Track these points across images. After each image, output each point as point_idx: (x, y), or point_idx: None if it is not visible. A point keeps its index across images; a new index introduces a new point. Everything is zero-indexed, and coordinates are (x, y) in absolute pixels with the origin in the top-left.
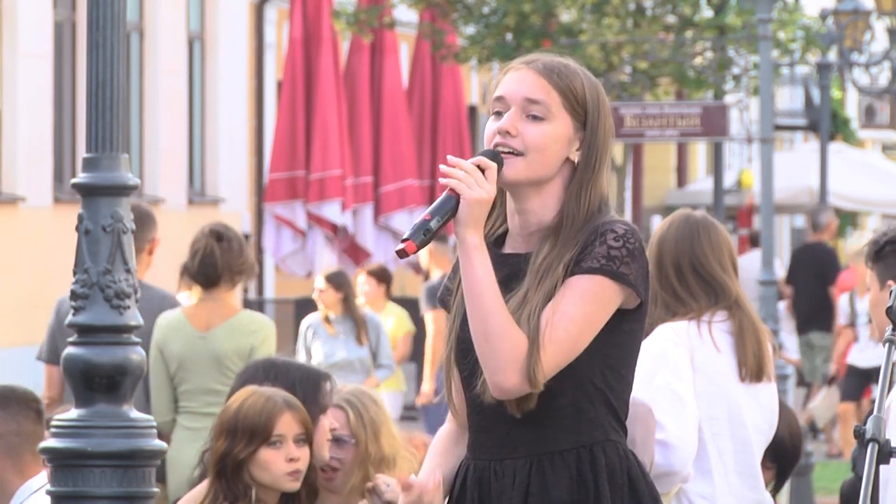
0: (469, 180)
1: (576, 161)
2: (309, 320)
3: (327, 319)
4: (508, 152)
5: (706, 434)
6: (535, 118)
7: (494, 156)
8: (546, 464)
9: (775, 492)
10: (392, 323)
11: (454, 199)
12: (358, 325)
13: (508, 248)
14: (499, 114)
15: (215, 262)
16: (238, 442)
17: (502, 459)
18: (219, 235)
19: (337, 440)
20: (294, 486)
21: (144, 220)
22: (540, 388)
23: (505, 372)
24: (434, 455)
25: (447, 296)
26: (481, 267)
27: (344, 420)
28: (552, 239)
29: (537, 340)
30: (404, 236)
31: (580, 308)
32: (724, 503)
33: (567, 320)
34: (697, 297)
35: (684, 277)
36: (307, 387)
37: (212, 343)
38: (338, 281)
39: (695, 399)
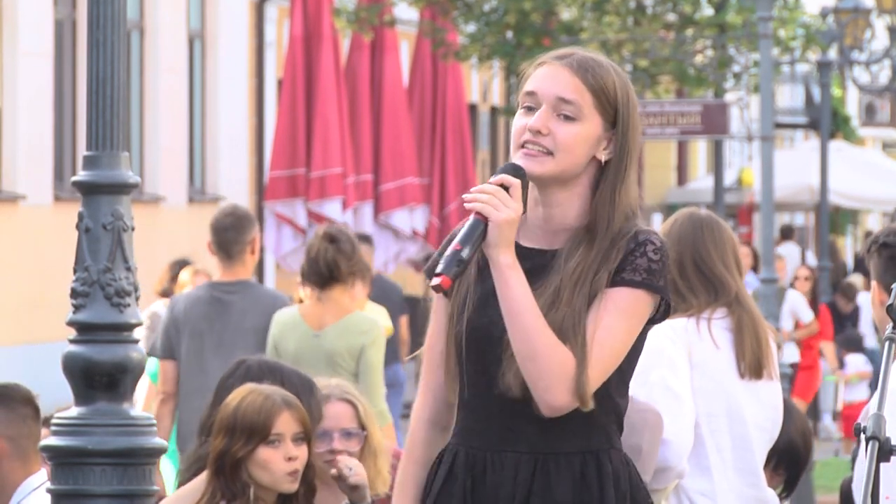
0: (494, 201)
1: (603, 160)
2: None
3: None
4: (539, 151)
5: (705, 431)
6: (566, 118)
7: (516, 170)
8: (551, 464)
9: (786, 496)
10: None
11: (482, 222)
12: None
13: (525, 241)
14: (529, 108)
15: (328, 264)
16: (236, 440)
17: (501, 451)
18: (332, 237)
19: (348, 434)
20: (292, 487)
21: (242, 222)
22: (589, 405)
23: (555, 391)
24: (417, 469)
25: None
26: (519, 286)
27: (352, 413)
28: (586, 242)
29: (586, 358)
30: (437, 269)
31: (623, 323)
32: (723, 500)
33: (612, 337)
34: (697, 294)
35: (686, 273)
36: (307, 393)
37: (325, 342)
38: None
39: (693, 396)
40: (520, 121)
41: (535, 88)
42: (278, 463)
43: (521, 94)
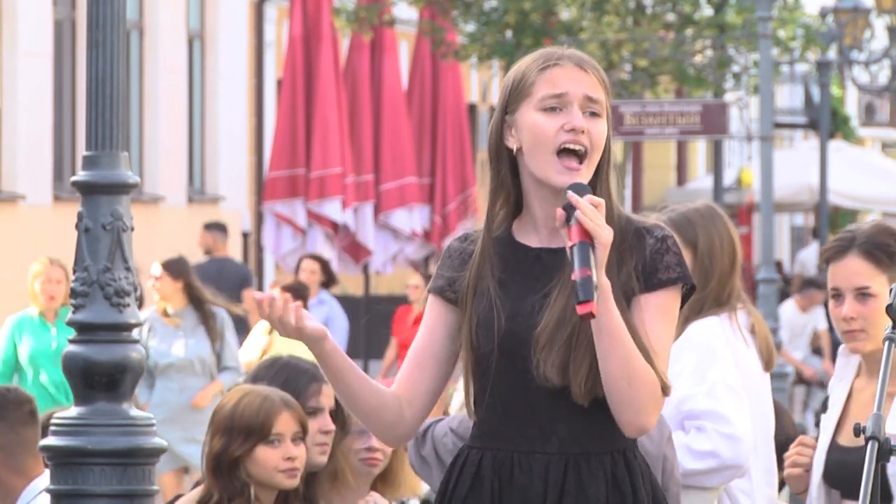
0: (600, 222)
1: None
2: (146, 314)
3: (165, 313)
4: (579, 149)
5: None
6: (593, 115)
7: (587, 189)
8: (582, 464)
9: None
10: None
11: (589, 244)
12: (205, 317)
13: (533, 241)
14: (553, 109)
15: None
16: (234, 440)
17: (530, 452)
18: None
19: None
20: (292, 483)
21: None
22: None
23: (647, 413)
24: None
25: (448, 287)
26: (616, 309)
27: None
28: None
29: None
30: (581, 299)
31: (668, 327)
32: (759, 499)
33: (662, 346)
34: (736, 292)
35: (734, 271)
36: (294, 387)
37: None
38: (176, 268)
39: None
40: (549, 122)
41: (566, 90)
42: (277, 461)
43: (538, 96)
